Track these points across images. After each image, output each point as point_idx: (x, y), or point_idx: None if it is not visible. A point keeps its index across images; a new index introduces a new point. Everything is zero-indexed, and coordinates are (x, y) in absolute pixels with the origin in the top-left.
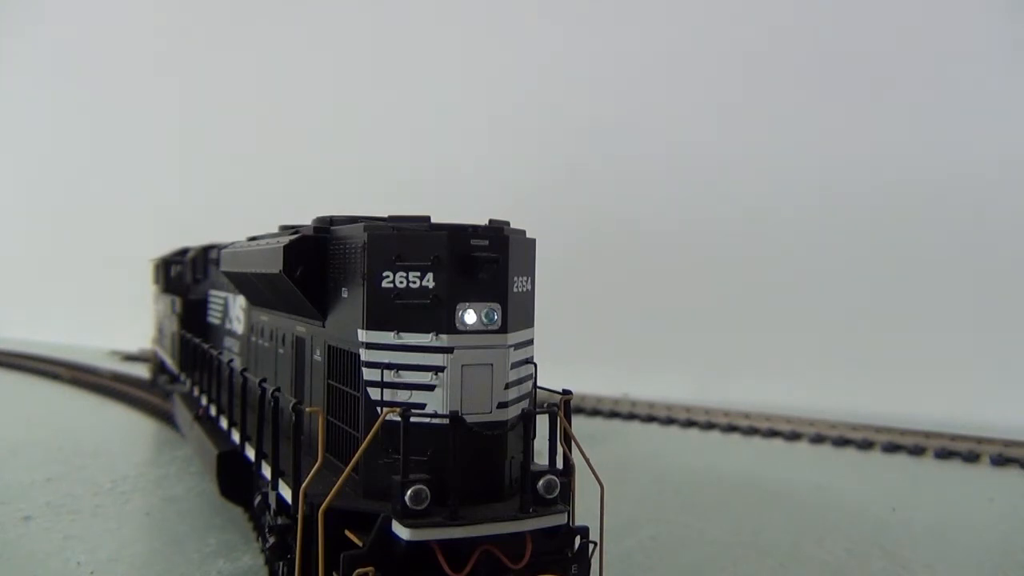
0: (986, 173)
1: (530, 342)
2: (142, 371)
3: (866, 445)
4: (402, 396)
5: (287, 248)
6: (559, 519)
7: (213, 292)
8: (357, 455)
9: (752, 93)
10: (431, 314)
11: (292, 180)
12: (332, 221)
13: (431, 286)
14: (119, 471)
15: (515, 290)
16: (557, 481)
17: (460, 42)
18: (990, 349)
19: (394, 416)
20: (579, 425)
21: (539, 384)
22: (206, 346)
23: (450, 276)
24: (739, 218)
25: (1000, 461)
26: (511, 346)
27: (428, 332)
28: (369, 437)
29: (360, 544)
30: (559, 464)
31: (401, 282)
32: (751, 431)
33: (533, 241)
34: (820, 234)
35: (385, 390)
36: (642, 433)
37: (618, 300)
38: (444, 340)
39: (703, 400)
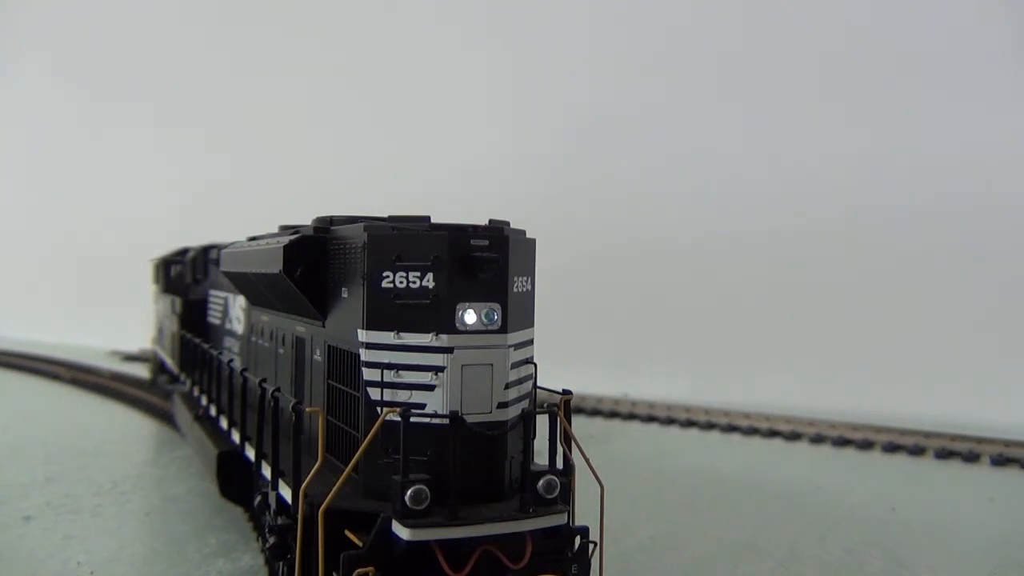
0: (986, 173)
1: (530, 342)
2: (142, 371)
3: (866, 445)
4: (402, 396)
5: (287, 248)
6: (559, 519)
7: (213, 292)
8: (357, 455)
9: (753, 95)
10: (431, 314)
11: (292, 180)
12: (332, 221)
13: (431, 286)
14: (119, 471)
15: (515, 290)
16: (557, 481)
17: (461, 42)
18: (990, 349)
19: (394, 416)
20: (579, 425)
21: (539, 384)
22: (206, 346)
23: (450, 276)
24: (739, 218)
25: (1000, 461)
26: (511, 346)
27: (428, 332)
28: (369, 437)
29: (360, 544)
30: (559, 464)
31: (401, 282)
32: (751, 431)
33: (533, 241)
34: (820, 235)
35: (385, 390)
36: (642, 433)
37: (618, 300)
38: (444, 340)
39: (703, 400)
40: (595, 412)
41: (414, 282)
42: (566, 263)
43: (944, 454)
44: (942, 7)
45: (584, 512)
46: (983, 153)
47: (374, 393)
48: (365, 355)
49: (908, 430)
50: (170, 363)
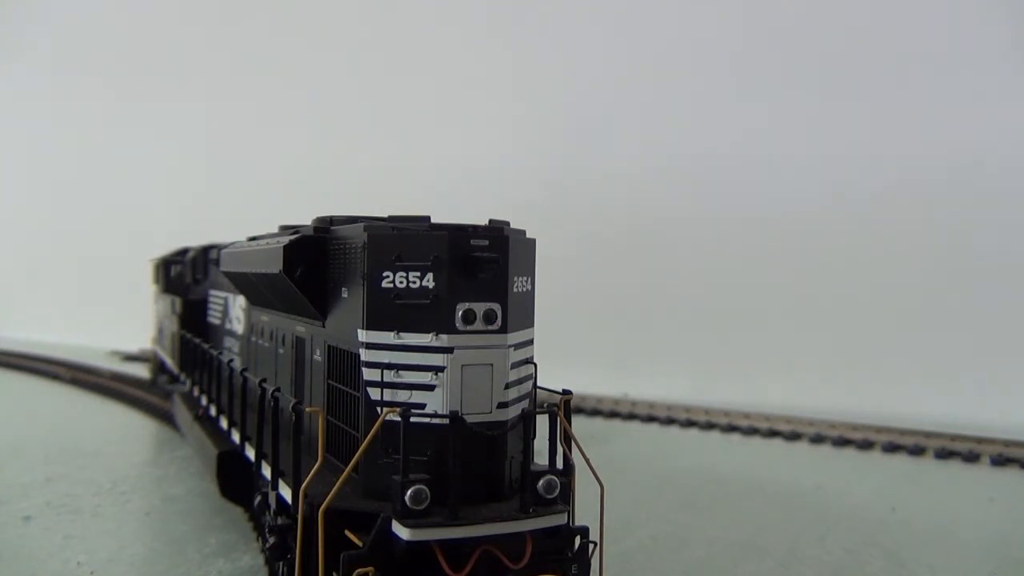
0: (986, 173)
1: (530, 342)
2: (142, 371)
3: (866, 445)
4: (402, 396)
5: (287, 248)
6: (559, 519)
7: (213, 292)
8: (357, 455)
9: (752, 94)
10: (431, 314)
11: (292, 180)
12: (332, 221)
13: (431, 286)
14: (119, 471)
15: (515, 290)
16: (557, 481)
17: (461, 42)
18: (990, 349)
19: (394, 416)
20: (579, 425)
21: (539, 384)
22: (206, 346)
23: (450, 276)
24: (739, 218)
25: (1000, 461)
26: (511, 346)
27: (428, 332)
28: (369, 437)
29: (360, 544)
30: (559, 464)
31: (401, 282)
32: (751, 431)
33: (533, 241)
34: (820, 234)
35: (385, 390)
36: (642, 433)
37: (618, 300)
38: (444, 340)
39: (703, 400)
40: (595, 412)
41: (414, 282)
42: (566, 263)
43: (944, 454)
44: (942, 7)
45: (584, 512)
46: (984, 153)
47: (374, 393)
48: (365, 355)
49: (908, 430)
50: (170, 363)
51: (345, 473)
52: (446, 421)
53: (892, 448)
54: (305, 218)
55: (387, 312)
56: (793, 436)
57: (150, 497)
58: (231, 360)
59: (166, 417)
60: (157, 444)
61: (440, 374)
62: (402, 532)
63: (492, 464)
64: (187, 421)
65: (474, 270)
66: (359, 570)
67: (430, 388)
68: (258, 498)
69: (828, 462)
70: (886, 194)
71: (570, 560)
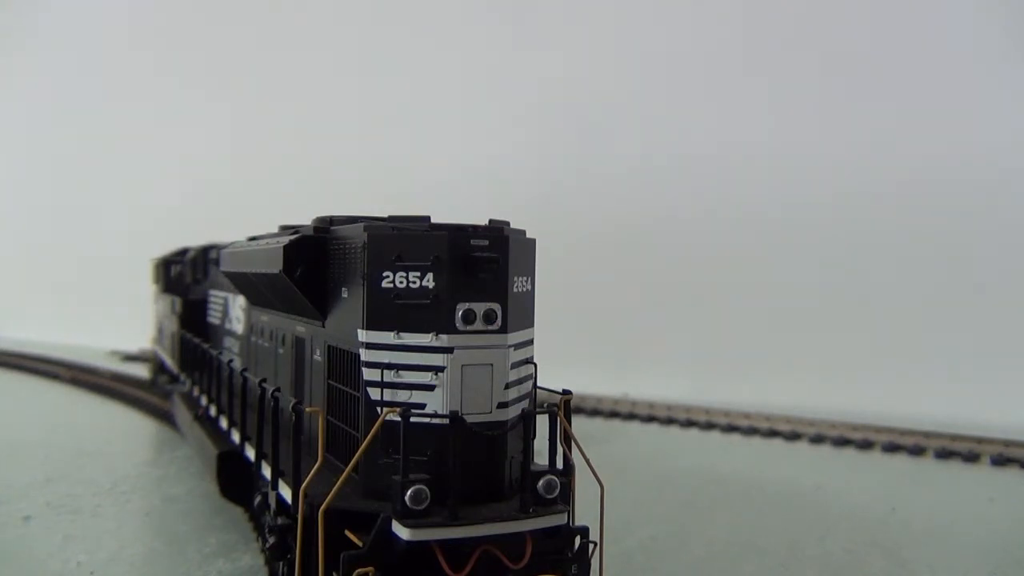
0: (986, 173)
1: (530, 342)
2: (142, 371)
3: (866, 445)
4: (402, 396)
5: (287, 248)
6: (559, 519)
7: (213, 292)
8: (357, 455)
9: (752, 93)
10: (431, 314)
11: (292, 180)
12: (332, 221)
13: (431, 286)
14: (119, 471)
15: (515, 290)
16: (557, 481)
17: (461, 42)
18: (990, 349)
19: (394, 416)
20: (579, 425)
21: (539, 384)
22: (206, 346)
23: (450, 276)
24: (739, 218)
25: (1000, 461)
26: (511, 346)
27: (428, 332)
28: (369, 437)
29: (360, 544)
30: (559, 464)
31: (401, 282)
32: (751, 431)
33: (533, 241)
34: (820, 234)
35: (385, 390)
36: (642, 433)
37: (619, 300)
38: (444, 340)
39: (703, 400)
40: (595, 412)
41: (414, 282)
42: (567, 263)
43: (944, 454)
44: (942, 7)
45: (584, 512)
46: (983, 154)
47: (374, 393)
48: (365, 355)
49: (908, 430)
50: (170, 363)
51: (345, 473)
52: (446, 421)
53: (892, 448)
54: (305, 218)
55: (387, 312)
56: (793, 436)
57: (150, 497)
58: (231, 360)
59: (166, 417)
60: (157, 444)
61: (440, 374)
62: (402, 532)
63: (492, 464)
64: (187, 421)
65: (474, 270)
66: (359, 570)
67: (430, 388)
68: (258, 498)
69: (828, 462)
70: (886, 195)
71: (570, 560)
